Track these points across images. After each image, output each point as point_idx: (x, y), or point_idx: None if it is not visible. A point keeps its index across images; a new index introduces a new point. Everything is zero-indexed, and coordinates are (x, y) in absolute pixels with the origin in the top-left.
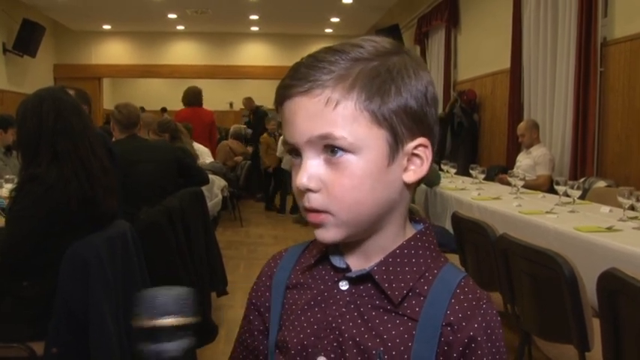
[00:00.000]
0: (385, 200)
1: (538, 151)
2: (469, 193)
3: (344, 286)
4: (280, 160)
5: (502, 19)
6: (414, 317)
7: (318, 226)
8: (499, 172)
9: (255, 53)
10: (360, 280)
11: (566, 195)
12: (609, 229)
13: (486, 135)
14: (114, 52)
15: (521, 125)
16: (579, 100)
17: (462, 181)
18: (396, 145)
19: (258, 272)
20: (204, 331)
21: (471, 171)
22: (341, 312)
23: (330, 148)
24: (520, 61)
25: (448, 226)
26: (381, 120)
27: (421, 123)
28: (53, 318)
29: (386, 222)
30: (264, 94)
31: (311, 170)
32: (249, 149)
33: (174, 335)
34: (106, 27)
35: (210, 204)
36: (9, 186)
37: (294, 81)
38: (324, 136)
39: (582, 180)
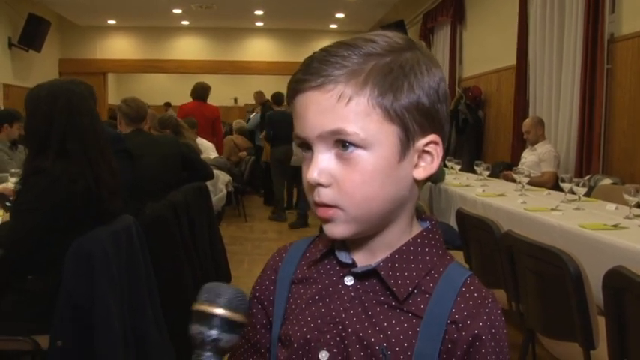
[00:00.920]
0: (395, 196)
1: (543, 148)
2: (474, 189)
3: (349, 281)
4: None
5: (508, 15)
6: (418, 314)
7: (328, 221)
8: (504, 168)
9: (259, 49)
10: (366, 275)
11: (572, 192)
12: (615, 226)
13: (491, 132)
14: (119, 47)
15: (527, 122)
16: (585, 96)
17: (466, 177)
18: (407, 141)
19: (262, 267)
20: None
21: (475, 168)
22: (345, 307)
23: (342, 144)
24: (526, 58)
25: (452, 222)
26: (393, 116)
27: (432, 120)
28: (58, 312)
29: (394, 218)
30: (268, 90)
31: (322, 165)
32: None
33: (226, 326)
34: (111, 22)
35: (214, 199)
36: (14, 180)
37: (306, 75)
38: (336, 132)
39: (588, 177)
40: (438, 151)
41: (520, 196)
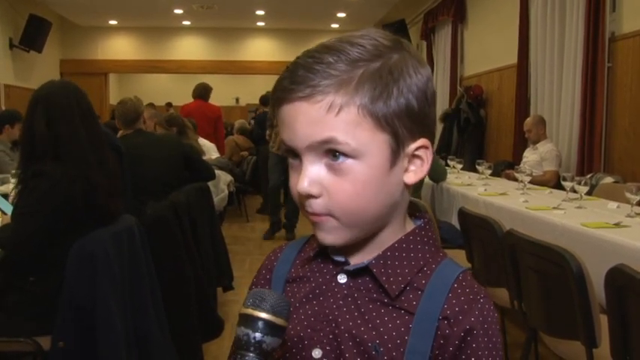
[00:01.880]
0: (387, 203)
1: (545, 147)
2: (475, 188)
3: (342, 279)
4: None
5: (509, 14)
6: (410, 311)
7: (320, 227)
8: (505, 167)
9: (261, 48)
10: (359, 273)
11: (574, 191)
12: (617, 225)
13: (493, 130)
14: (120, 47)
15: (528, 121)
16: (587, 95)
17: (468, 176)
18: (397, 148)
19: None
20: (210, 325)
21: (477, 167)
22: (338, 305)
23: (332, 153)
24: (527, 57)
25: (454, 221)
26: (383, 124)
27: (422, 123)
28: (60, 313)
29: (386, 222)
30: (270, 90)
31: (312, 175)
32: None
33: (269, 329)
34: (113, 22)
35: (216, 199)
36: (15, 181)
37: (293, 85)
38: (327, 141)
39: (589, 176)
40: (427, 154)
41: (522, 195)
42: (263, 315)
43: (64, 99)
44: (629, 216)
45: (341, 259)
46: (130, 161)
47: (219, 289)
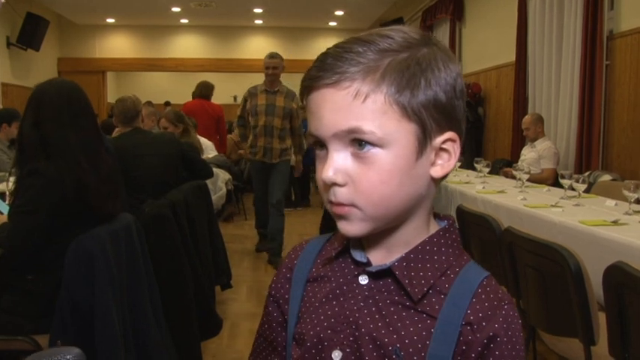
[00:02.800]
0: (412, 195)
1: (543, 145)
2: (474, 186)
3: (363, 280)
4: None
5: (507, 12)
6: (433, 315)
7: (343, 218)
8: (504, 165)
9: (259, 46)
10: (380, 275)
11: (572, 188)
12: (615, 222)
13: (491, 128)
14: (118, 45)
15: (526, 119)
16: (585, 93)
17: (466, 174)
18: (424, 139)
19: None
20: (208, 324)
21: (475, 164)
22: (359, 306)
23: (358, 142)
24: (525, 55)
25: None
26: (410, 114)
27: (449, 117)
28: (58, 311)
29: (411, 216)
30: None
31: (337, 164)
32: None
33: None
34: (110, 20)
35: (214, 197)
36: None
37: (320, 72)
38: (352, 130)
39: (588, 173)
40: (455, 148)
41: (520, 193)
42: None
43: (55, 98)
44: (627, 214)
45: (363, 259)
46: (128, 159)
47: (218, 288)
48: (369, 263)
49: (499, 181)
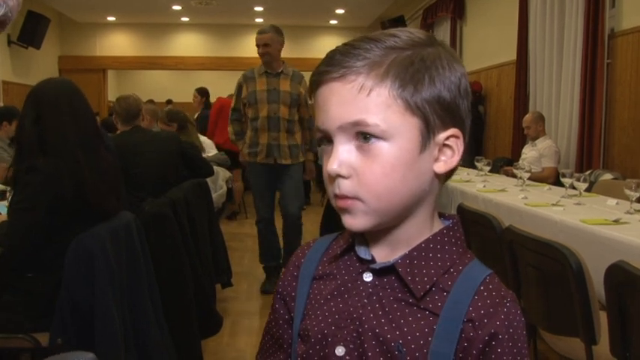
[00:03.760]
0: (415, 190)
1: (543, 144)
2: (474, 185)
3: (368, 277)
4: None
5: (508, 11)
6: (435, 312)
7: (347, 212)
8: (504, 164)
9: None
10: (384, 272)
11: (573, 187)
12: (616, 221)
13: (492, 127)
14: (118, 43)
15: (527, 117)
16: (586, 92)
17: (467, 173)
18: (428, 134)
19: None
20: (208, 322)
21: (476, 163)
22: (363, 303)
23: (363, 135)
24: (526, 53)
25: None
26: (414, 108)
27: (453, 114)
28: (58, 310)
29: (414, 212)
30: None
31: (342, 156)
32: None
33: None
34: (111, 19)
35: (214, 195)
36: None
37: (328, 67)
38: (357, 123)
39: (589, 172)
40: (458, 145)
41: (521, 192)
42: None
43: (53, 97)
44: (628, 212)
45: (367, 256)
46: (128, 157)
47: (218, 286)
48: (373, 260)
49: (500, 180)
